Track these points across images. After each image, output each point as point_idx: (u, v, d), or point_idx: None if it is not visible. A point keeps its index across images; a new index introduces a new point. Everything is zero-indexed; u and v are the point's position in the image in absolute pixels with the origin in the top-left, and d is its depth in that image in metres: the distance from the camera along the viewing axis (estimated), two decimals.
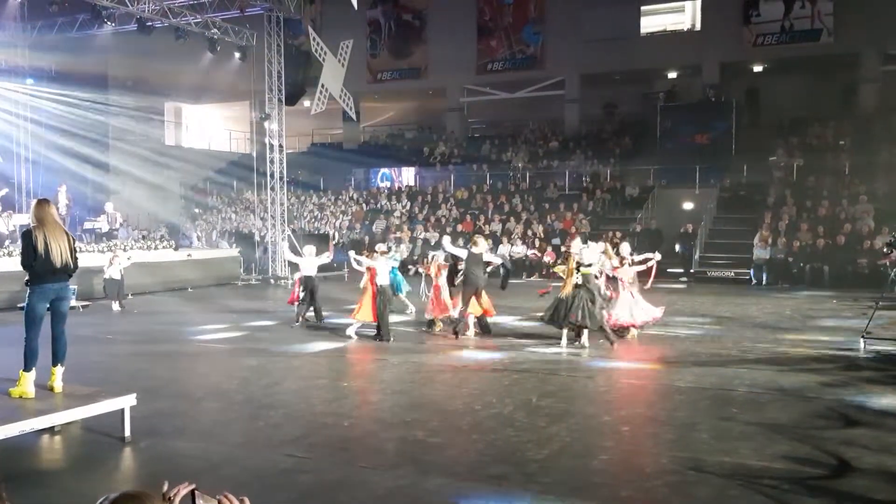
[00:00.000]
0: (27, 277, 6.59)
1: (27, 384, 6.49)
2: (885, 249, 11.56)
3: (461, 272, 11.86)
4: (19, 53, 23.11)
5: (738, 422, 6.88)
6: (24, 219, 18.50)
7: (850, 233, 20.58)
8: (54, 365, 6.67)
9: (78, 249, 6.95)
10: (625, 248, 11.82)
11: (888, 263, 12.44)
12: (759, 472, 5.51)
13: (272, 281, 22.37)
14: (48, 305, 6.68)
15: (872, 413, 7.21)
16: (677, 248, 22.48)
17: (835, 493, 5.19)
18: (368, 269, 11.78)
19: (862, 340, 10.46)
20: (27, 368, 6.52)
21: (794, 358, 9.96)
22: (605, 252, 11.16)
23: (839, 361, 9.70)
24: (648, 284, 12.18)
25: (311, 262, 13.05)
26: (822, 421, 6.94)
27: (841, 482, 5.40)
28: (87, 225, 20.98)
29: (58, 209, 16.77)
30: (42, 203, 6.78)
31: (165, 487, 1.97)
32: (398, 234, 25.67)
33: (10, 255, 15.39)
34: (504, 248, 23.31)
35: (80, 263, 7.07)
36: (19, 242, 7.65)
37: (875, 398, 7.77)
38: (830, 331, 12.13)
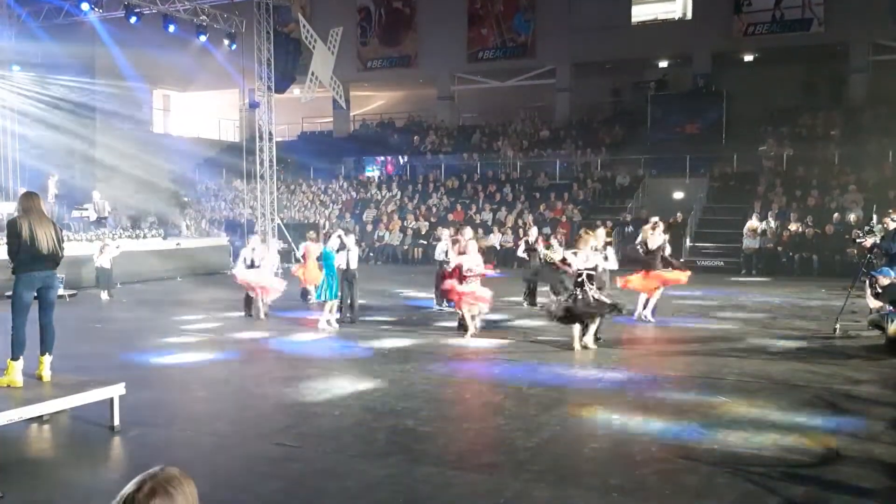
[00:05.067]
0: (13, 266, 6.55)
1: (15, 373, 6.45)
2: (856, 239, 11.75)
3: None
4: (5, 40, 22.82)
5: (727, 410, 6.92)
6: (10, 207, 18.33)
7: (839, 222, 20.68)
8: (42, 354, 6.64)
9: (65, 238, 6.91)
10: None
11: (857, 252, 12.60)
12: (747, 460, 5.55)
13: None
14: (35, 294, 6.64)
15: (859, 401, 7.27)
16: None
17: (822, 480, 5.23)
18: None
19: (837, 326, 10.78)
20: (14, 357, 6.49)
21: (782, 347, 10.03)
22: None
23: (827, 350, 9.77)
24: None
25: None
26: (809, 409, 6.99)
27: (828, 470, 5.44)
28: (75, 214, 20.81)
29: (46, 198, 16.56)
30: (29, 194, 6.82)
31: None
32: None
33: None
34: (495, 238, 23.33)
35: (68, 252, 7.01)
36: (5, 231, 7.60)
37: (862, 386, 7.83)
38: (819, 320, 12.19)
